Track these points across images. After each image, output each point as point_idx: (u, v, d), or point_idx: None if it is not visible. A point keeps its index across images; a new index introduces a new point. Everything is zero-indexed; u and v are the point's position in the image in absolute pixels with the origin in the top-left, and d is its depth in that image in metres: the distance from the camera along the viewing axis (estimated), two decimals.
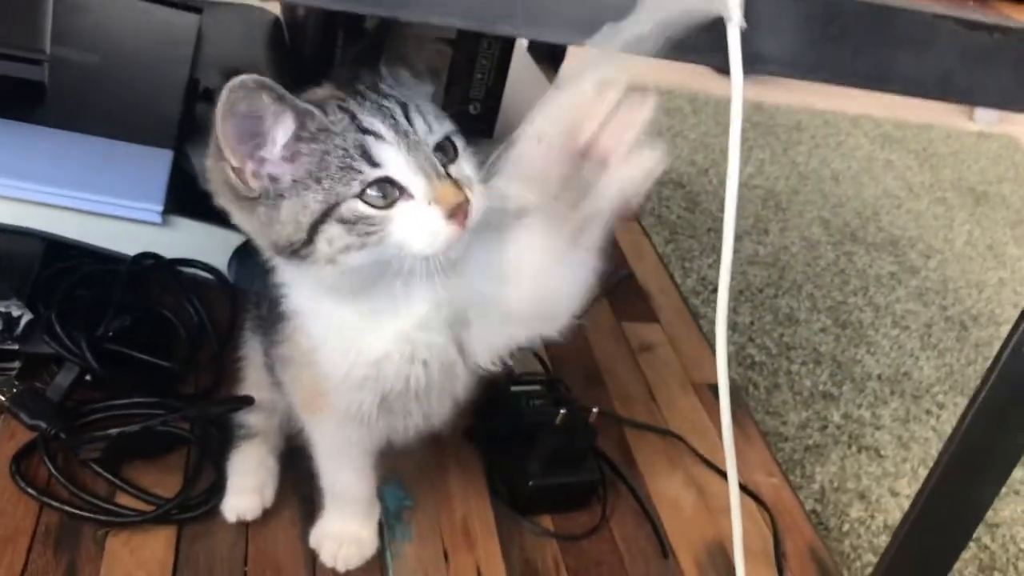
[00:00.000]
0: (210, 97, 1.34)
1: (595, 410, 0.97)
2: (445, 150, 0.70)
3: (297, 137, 0.66)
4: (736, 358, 1.69)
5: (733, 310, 1.83)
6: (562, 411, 0.96)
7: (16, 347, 0.97)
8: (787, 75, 0.59)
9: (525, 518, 0.98)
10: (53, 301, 0.99)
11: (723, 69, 0.58)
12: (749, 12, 0.56)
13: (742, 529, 1.05)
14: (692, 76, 2.95)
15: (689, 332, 1.35)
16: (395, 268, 0.68)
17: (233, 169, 0.67)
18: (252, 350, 0.97)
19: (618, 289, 1.39)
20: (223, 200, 0.70)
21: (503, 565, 0.93)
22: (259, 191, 0.67)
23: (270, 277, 0.79)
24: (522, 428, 0.99)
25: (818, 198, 2.35)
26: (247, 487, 0.92)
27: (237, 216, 0.71)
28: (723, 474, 1.10)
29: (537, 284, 0.72)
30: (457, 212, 0.67)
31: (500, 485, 1.00)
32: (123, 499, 0.90)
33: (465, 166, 0.70)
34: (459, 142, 0.71)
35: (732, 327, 1.78)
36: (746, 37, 0.57)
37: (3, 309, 0.96)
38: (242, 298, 1.09)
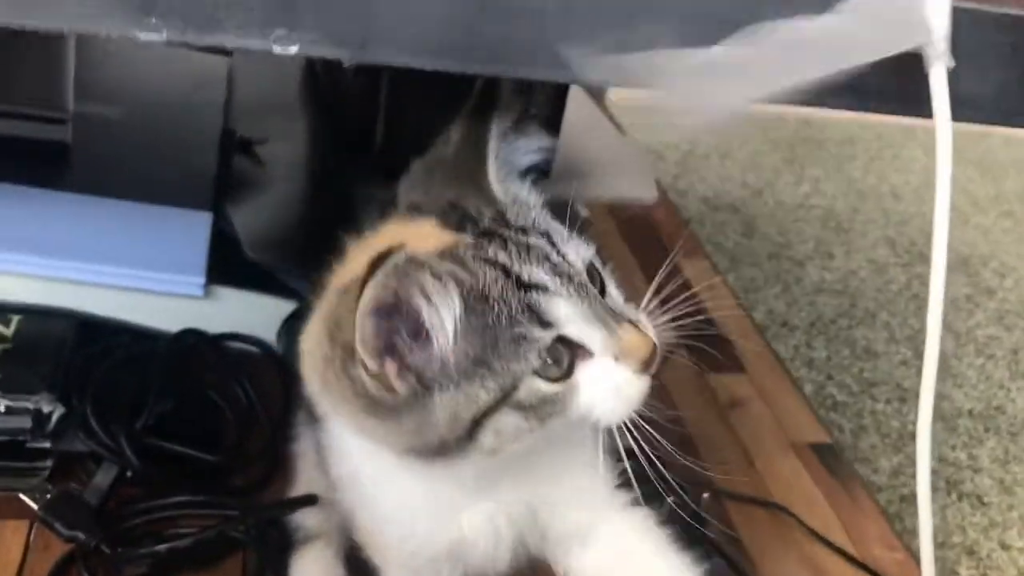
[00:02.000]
0: (247, 148, 1.25)
1: (706, 495, 0.85)
2: (593, 279, 0.56)
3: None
4: (816, 398, 1.56)
5: (807, 344, 1.71)
6: (670, 499, 0.83)
7: (48, 445, 0.87)
8: (992, 121, 0.47)
9: None
10: (87, 391, 0.89)
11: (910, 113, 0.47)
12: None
13: None
14: None
15: (779, 381, 1.24)
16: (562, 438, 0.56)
17: (371, 374, 0.52)
18: (306, 446, 0.86)
19: (699, 336, 1.27)
20: (345, 413, 0.55)
21: None
22: (406, 393, 0.53)
23: (315, 431, 0.66)
24: None
25: (880, 216, 2.22)
26: None
27: (364, 426, 0.55)
28: (839, 551, 0.99)
29: None
30: (649, 362, 0.54)
31: None
32: None
33: (616, 295, 0.58)
34: (598, 262, 0.58)
35: (808, 364, 1.66)
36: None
37: (32, 406, 0.85)
38: (294, 375, 0.99)
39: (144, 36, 0.38)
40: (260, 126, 1.24)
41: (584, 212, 1.33)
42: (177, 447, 0.89)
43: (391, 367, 0.52)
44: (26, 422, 0.85)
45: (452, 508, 0.62)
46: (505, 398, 0.52)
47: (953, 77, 0.45)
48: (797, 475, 1.08)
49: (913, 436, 1.56)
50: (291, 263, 1.00)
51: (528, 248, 0.54)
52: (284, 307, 1.00)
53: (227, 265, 1.01)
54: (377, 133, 1.22)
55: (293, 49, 0.39)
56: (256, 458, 0.94)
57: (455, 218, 0.56)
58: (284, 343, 1.02)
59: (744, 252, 1.98)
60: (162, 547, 0.78)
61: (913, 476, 1.47)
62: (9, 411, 0.84)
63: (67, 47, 1.10)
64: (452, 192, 0.58)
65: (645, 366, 0.54)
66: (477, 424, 0.53)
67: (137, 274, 0.96)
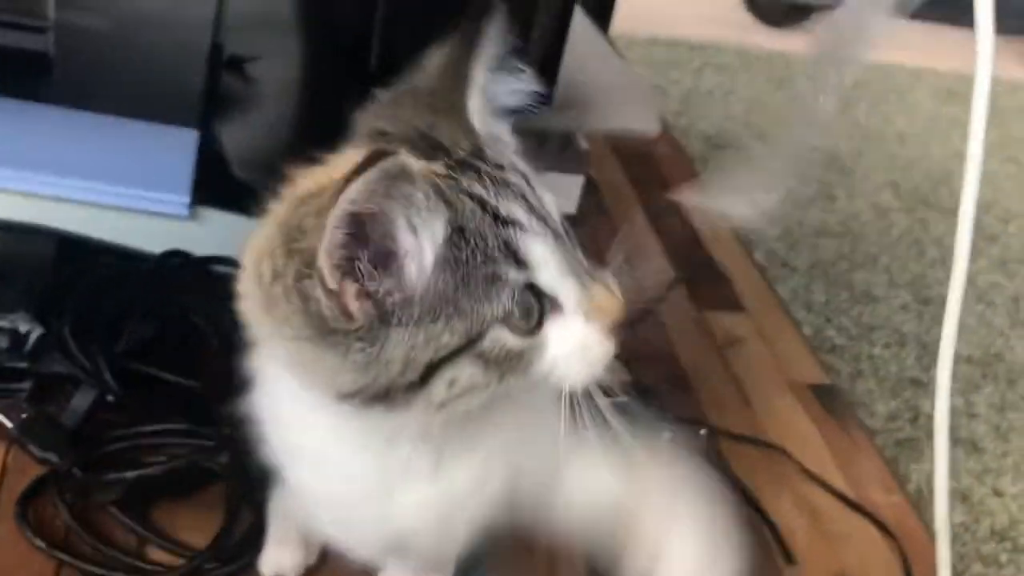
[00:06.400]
0: (236, 66, 1.22)
1: (703, 432, 0.84)
2: (567, 232, 0.53)
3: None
4: (813, 341, 1.55)
5: (806, 287, 1.69)
6: (666, 435, 0.82)
7: (25, 365, 0.85)
8: None
9: None
10: (67, 311, 0.87)
11: None
12: None
13: (863, 560, 0.92)
14: (737, 30, 2.80)
15: (779, 321, 1.22)
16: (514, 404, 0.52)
17: (327, 291, 0.47)
18: None
19: (697, 274, 1.25)
20: (286, 339, 0.49)
21: None
22: (363, 321, 0.47)
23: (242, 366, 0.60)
24: None
25: (884, 160, 2.20)
26: (289, 538, 0.78)
27: (303, 358, 0.50)
28: (835, 492, 0.97)
29: None
30: (618, 325, 0.51)
31: None
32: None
33: (581, 255, 0.54)
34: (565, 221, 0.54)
35: (806, 306, 1.64)
36: None
37: (8, 325, 0.83)
38: None
39: None
40: (251, 43, 1.20)
41: (584, 144, 1.31)
42: (158, 372, 0.87)
43: (350, 288, 0.47)
44: (2, 342, 0.83)
45: (396, 489, 0.58)
46: (469, 345, 0.48)
47: None
48: (794, 415, 1.07)
49: (911, 381, 1.56)
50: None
51: (506, 184, 0.50)
52: None
53: (214, 185, 1.00)
54: (373, 53, 1.19)
55: None
56: (241, 386, 0.92)
57: (425, 147, 0.52)
58: None
59: None
60: (131, 474, 0.77)
61: (909, 421, 1.47)
62: None
63: None
64: (423, 121, 0.53)
65: (613, 329, 0.51)
66: (432, 370, 0.48)
67: (120, 192, 0.95)
